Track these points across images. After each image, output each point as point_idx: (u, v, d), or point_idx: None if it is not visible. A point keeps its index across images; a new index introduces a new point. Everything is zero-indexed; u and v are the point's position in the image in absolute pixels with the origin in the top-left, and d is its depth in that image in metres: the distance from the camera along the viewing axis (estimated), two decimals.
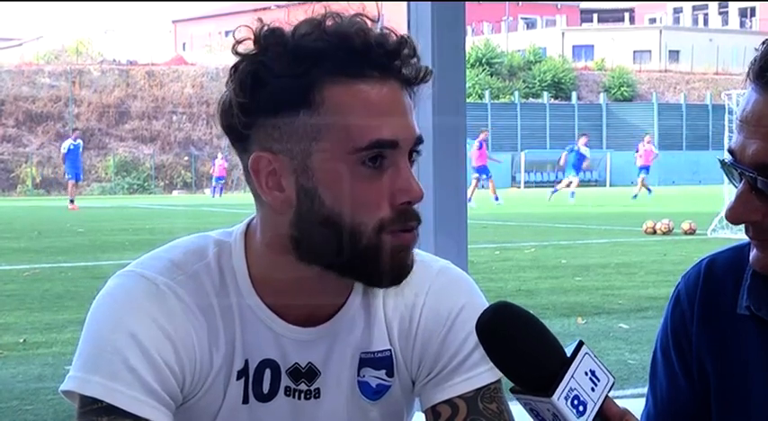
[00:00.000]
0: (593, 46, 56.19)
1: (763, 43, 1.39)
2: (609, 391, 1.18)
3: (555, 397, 1.13)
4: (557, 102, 47.98)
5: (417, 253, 1.42)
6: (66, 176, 27.17)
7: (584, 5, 66.98)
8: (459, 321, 1.41)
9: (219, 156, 34.85)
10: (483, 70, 47.89)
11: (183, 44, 58.71)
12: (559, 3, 63.66)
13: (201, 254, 1.38)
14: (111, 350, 1.29)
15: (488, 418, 1.39)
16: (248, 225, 1.40)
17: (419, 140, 1.32)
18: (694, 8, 65.58)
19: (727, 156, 1.40)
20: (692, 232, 15.19)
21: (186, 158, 40.53)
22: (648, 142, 30.50)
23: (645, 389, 1.62)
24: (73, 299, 8.89)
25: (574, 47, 56.38)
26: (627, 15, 64.52)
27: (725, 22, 64.16)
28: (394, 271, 1.31)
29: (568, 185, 26.81)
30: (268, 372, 1.37)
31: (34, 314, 8.24)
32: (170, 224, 17.43)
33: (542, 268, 11.13)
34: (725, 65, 51.70)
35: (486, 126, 36.64)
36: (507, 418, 1.40)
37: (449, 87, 2.32)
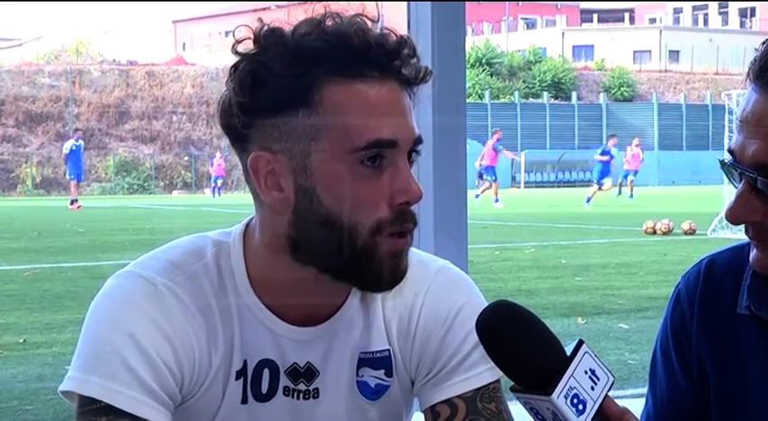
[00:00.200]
0: (593, 46, 56.22)
1: (763, 43, 1.39)
2: (608, 390, 1.18)
3: (554, 395, 1.13)
4: (557, 102, 48.01)
5: (417, 253, 1.42)
6: (69, 177, 27.16)
7: (584, 5, 67.03)
8: (458, 321, 1.41)
9: (218, 155, 34.87)
10: (483, 70, 47.93)
11: (183, 44, 58.76)
12: (559, 3, 63.67)
13: (200, 254, 1.38)
14: (109, 350, 1.29)
15: (487, 418, 1.39)
16: (247, 225, 1.40)
17: (418, 140, 1.32)
18: (694, 8, 65.61)
19: (727, 157, 1.40)
20: (692, 232, 15.20)
21: (186, 158, 40.56)
22: (637, 146, 29.84)
23: (645, 389, 1.62)
24: (73, 299, 8.88)
25: (574, 47, 56.41)
26: (627, 15, 64.57)
27: (725, 22, 64.19)
28: (388, 275, 1.31)
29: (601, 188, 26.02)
30: (267, 372, 1.37)
31: (34, 314, 8.24)
32: (170, 224, 17.43)
33: (542, 268, 11.13)
34: (725, 65, 51.74)
35: (486, 126, 36.70)
36: (506, 418, 1.40)
37: (449, 87, 2.32)
